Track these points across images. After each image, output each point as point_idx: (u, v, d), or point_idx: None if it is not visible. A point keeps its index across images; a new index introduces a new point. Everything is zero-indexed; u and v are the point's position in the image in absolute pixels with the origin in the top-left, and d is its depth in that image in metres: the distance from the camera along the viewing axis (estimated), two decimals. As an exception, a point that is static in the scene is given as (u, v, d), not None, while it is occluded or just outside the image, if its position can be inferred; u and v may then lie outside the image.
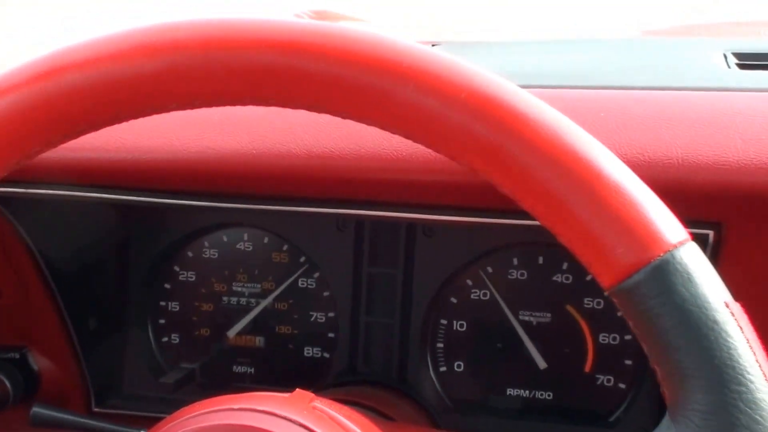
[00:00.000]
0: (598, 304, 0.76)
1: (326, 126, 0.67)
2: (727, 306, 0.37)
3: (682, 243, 0.37)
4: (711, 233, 0.61)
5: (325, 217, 0.79)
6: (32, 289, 0.79)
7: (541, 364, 0.78)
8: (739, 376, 0.35)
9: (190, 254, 0.85)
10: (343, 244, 0.80)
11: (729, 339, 0.36)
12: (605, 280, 0.38)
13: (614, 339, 0.76)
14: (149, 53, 0.40)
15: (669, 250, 0.37)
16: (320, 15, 1.09)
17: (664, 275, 0.37)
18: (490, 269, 0.78)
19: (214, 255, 0.84)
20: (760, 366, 0.36)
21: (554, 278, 0.77)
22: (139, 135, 0.70)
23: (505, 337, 0.78)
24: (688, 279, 0.37)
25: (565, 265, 0.77)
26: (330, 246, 0.81)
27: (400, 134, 0.41)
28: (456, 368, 0.80)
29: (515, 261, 0.78)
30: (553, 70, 0.84)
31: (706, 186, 0.60)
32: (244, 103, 0.41)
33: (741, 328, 0.36)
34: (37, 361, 0.82)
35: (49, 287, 0.79)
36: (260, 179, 0.69)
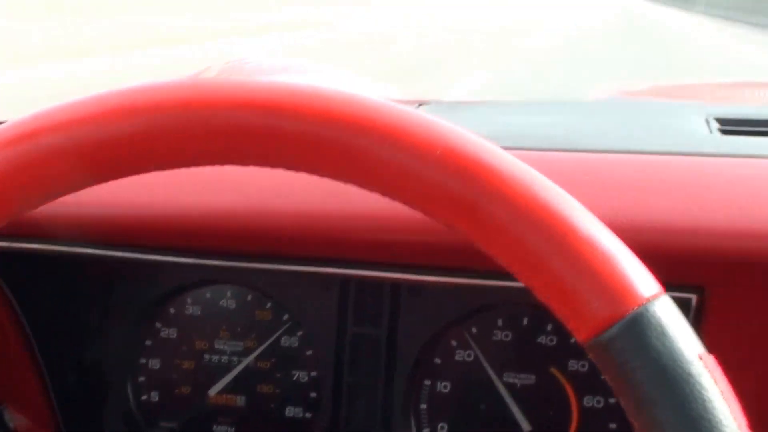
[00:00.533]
0: (583, 366, 0.76)
1: (313, 186, 0.67)
2: (701, 358, 0.37)
3: (655, 296, 0.38)
4: (694, 297, 0.62)
5: (309, 276, 0.79)
6: (11, 344, 0.78)
7: (525, 427, 0.77)
8: (715, 429, 0.35)
9: (172, 311, 0.84)
10: (327, 302, 0.80)
11: (703, 392, 0.36)
12: (581, 334, 0.38)
13: (599, 402, 0.76)
14: (127, 115, 0.40)
15: (642, 304, 0.37)
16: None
17: (638, 329, 0.37)
18: (474, 330, 0.78)
19: (197, 312, 0.84)
20: (734, 418, 0.36)
21: (538, 340, 0.77)
22: (123, 191, 0.70)
23: (489, 399, 0.78)
24: (662, 332, 0.37)
25: (549, 327, 0.76)
26: (314, 304, 0.80)
27: (377, 192, 0.41)
28: (439, 430, 0.79)
29: (499, 322, 0.77)
30: (536, 133, 0.85)
31: (687, 251, 0.60)
32: (222, 163, 0.42)
33: (715, 380, 0.37)
34: (14, 418, 0.81)
35: (28, 342, 0.78)
36: (245, 237, 0.69)
